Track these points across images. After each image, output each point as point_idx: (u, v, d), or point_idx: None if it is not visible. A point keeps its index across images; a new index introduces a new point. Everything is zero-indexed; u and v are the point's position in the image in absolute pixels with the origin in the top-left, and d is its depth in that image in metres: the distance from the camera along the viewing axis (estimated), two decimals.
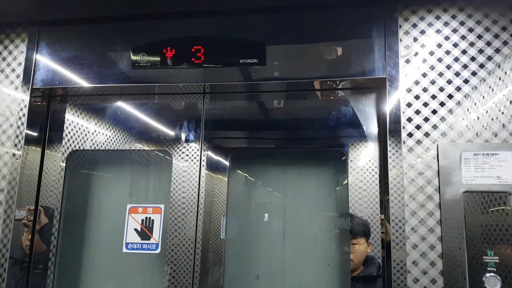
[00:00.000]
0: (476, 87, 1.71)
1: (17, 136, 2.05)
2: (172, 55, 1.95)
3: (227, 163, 2.07)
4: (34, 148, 2.12)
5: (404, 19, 1.80)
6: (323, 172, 2.09)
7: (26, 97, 2.08)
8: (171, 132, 2.11)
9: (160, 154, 2.17)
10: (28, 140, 2.08)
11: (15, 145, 2.05)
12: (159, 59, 1.96)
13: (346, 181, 1.90)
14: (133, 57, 1.98)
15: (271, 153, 2.18)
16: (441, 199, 1.65)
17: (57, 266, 2.13)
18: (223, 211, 2.02)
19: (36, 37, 2.12)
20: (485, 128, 1.67)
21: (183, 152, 2.06)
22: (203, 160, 2.04)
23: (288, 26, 1.91)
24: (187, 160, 2.04)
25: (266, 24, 1.93)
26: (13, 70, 2.12)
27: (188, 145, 2.06)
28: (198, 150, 2.04)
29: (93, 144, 2.19)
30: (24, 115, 2.08)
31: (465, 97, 1.71)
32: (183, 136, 2.08)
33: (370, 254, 1.81)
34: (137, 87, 2.05)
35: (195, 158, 2.04)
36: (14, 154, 2.04)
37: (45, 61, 2.10)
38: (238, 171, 2.16)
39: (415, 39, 1.78)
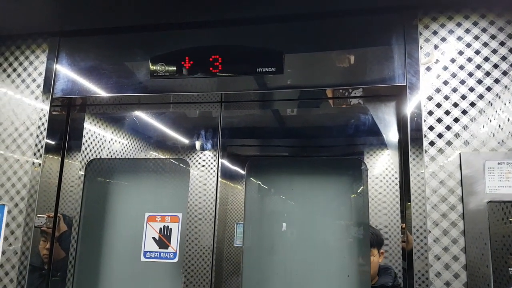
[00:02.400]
0: (499, 95, 1.67)
1: (36, 145, 2.08)
2: (190, 64, 1.95)
3: (244, 171, 2.06)
4: (53, 157, 2.14)
5: (424, 26, 1.78)
6: (343, 181, 2.07)
7: (46, 107, 2.11)
8: (188, 141, 2.12)
9: (178, 162, 2.18)
10: (48, 149, 2.11)
11: (34, 154, 2.07)
12: (177, 68, 1.97)
13: (366, 190, 1.88)
14: (152, 67, 2.00)
15: (289, 162, 2.17)
16: (464, 209, 1.61)
17: (75, 274, 2.14)
18: (240, 219, 2.01)
19: (57, 48, 2.15)
20: (509, 137, 1.64)
21: (200, 161, 2.06)
22: (221, 169, 2.03)
23: (306, 35, 1.90)
24: (204, 169, 2.04)
25: (284, 33, 1.93)
26: (34, 80, 2.15)
27: (205, 153, 2.06)
28: (215, 158, 2.04)
29: (112, 153, 2.21)
30: (43, 124, 2.10)
31: (488, 104, 1.68)
32: (200, 144, 2.08)
33: (383, 264, 1.79)
34: (156, 97, 2.06)
35: (212, 166, 2.04)
36: (33, 163, 2.06)
37: (65, 71, 2.13)
38: (255, 179, 2.15)
39: (436, 47, 1.76)
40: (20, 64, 2.18)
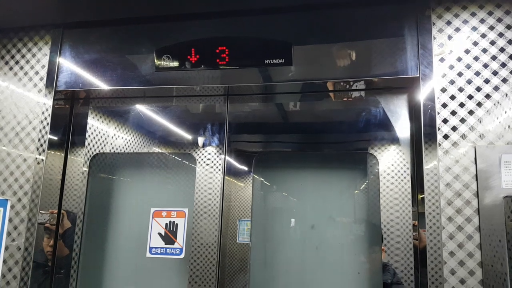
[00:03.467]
0: None
1: (39, 140, 2.04)
2: (197, 56, 1.91)
3: (251, 166, 2.02)
4: (57, 151, 2.10)
5: (437, 17, 1.73)
6: (353, 176, 2.02)
7: (49, 100, 2.07)
8: (194, 136, 2.07)
9: (184, 157, 2.13)
10: (51, 144, 2.07)
11: (37, 148, 2.03)
12: (183, 61, 1.92)
13: (377, 186, 1.83)
14: (157, 59, 1.95)
15: (298, 157, 2.12)
16: (479, 204, 1.57)
17: (80, 271, 2.11)
18: (244, 216, 1.97)
19: (60, 40, 2.11)
20: None
21: (206, 156, 2.02)
22: (227, 164, 1.99)
23: (316, 25, 1.86)
24: (210, 164, 2.00)
25: (293, 24, 1.88)
26: (37, 73, 2.11)
27: (211, 148, 2.02)
28: (222, 153, 2.00)
29: (116, 147, 2.17)
30: (45, 118, 2.06)
31: (504, 97, 1.62)
32: (206, 139, 2.04)
33: (384, 262, 1.76)
34: (161, 90, 2.02)
35: (218, 161, 2.00)
36: (36, 158, 2.02)
37: (68, 63, 2.09)
38: (262, 175, 2.11)
39: (450, 37, 1.71)
40: (23, 56, 2.14)
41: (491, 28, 1.68)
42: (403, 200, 1.79)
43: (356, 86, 1.87)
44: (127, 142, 2.17)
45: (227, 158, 2.00)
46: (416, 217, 1.73)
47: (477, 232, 1.56)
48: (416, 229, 1.72)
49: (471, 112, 1.64)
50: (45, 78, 2.09)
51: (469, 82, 1.66)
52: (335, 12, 1.84)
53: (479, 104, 1.64)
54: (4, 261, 1.94)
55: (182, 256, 1.96)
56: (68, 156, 2.14)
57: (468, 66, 1.67)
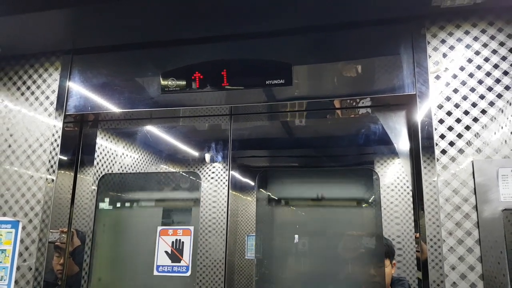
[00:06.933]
0: (510, 102, 1.66)
1: (49, 161, 2.11)
2: (201, 79, 1.98)
3: (255, 183, 2.07)
4: (66, 172, 2.17)
5: (432, 35, 1.79)
6: (355, 191, 2.06)
7: (59, 123, 2.14)
8: (199, 154, 2.13)
9: (189, 175, 2.19)
10: (61, 165, 2.13)
11: (48, 170, 2.10)
12: (188, 83, 1.99)
13: (378, 200, 1.87)
14: (163, 82, 2.02)
15: (300, 173, 2.16)
16: (479, 218, 1.60)
17: None
18: (251, 231, 2.01)
19: (69, 65, 2.19)
20: None
21: (211, 174, 2.07)
22: (232, 180, 2.04)
23: (314, 47, 1.92)
24: (215, 181, 2.05)
25: (292, 46, 1.94)
26: (47, 98, 2.19)
27: (216, 166, 2.07)
28: (226, 171, 2.05)
29: (124, 167, 2.23)
30: (55, 140, 2.13)
31: (500, 111, 1.67)
32: (211, 157, 2.09)
33: (397, 276, 1.77)
34: (167, 111, 2.09)
35: (223, 178, 2.05)
36: (47, 179, 2.09)
37: (77, 88, 2.17)
38: (266, 190, 2.15)
39: (444, 55, 1.76)
40: (34, 82, 2.22)
41: (485, 45, 1.73)
42: (405, 214, 1.81)
43: (355, 104, 1.92)
44: (134, 162, 2.23)
45: (231, 175, 2.05)
46: (418, 230, 1.75)
47: (478, 245, 1.58)
48: (418, 242, 1.75)
49: (467, 128, 1.68)
50: (55, 103, 2.17)
51: (465, 98, 1.71)
52: (332, 34, 1.90)
53: (475, 120, 1.68)
54: (16, 282, 1.99)
55: (188, 274, 1.99)
56: (78, 176, 2.21)
57: (464, 83, 1.72)
